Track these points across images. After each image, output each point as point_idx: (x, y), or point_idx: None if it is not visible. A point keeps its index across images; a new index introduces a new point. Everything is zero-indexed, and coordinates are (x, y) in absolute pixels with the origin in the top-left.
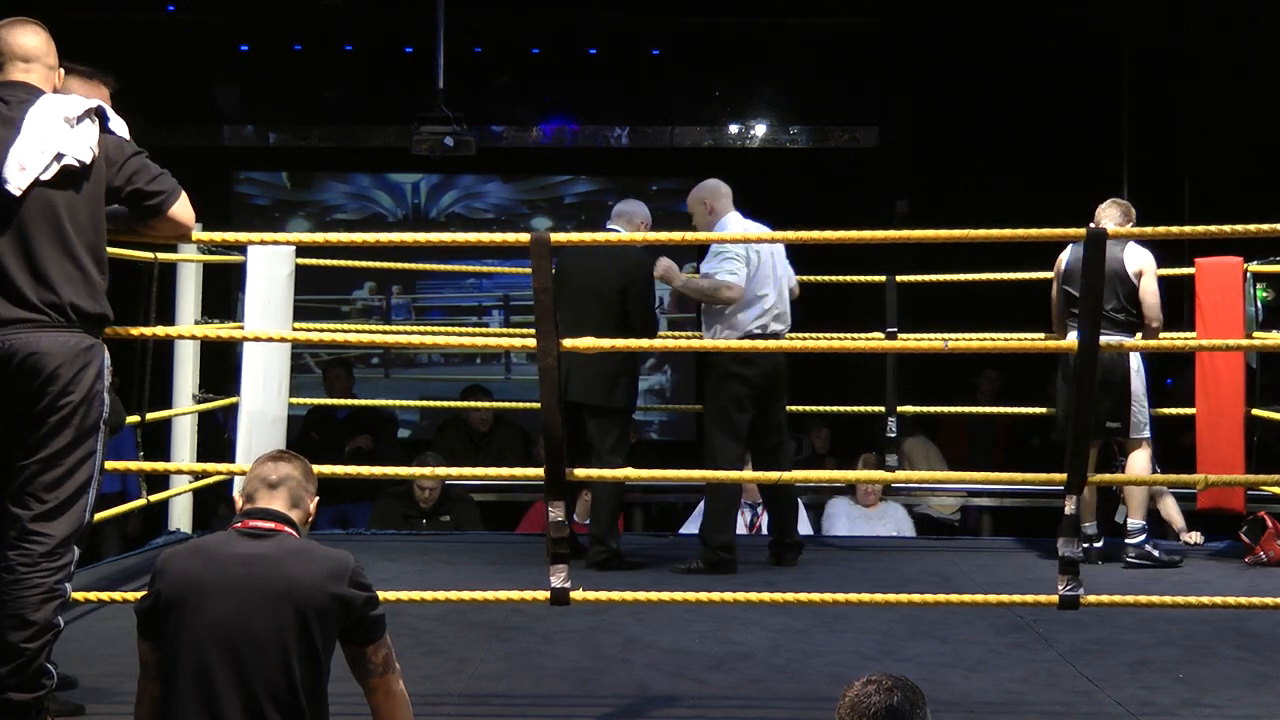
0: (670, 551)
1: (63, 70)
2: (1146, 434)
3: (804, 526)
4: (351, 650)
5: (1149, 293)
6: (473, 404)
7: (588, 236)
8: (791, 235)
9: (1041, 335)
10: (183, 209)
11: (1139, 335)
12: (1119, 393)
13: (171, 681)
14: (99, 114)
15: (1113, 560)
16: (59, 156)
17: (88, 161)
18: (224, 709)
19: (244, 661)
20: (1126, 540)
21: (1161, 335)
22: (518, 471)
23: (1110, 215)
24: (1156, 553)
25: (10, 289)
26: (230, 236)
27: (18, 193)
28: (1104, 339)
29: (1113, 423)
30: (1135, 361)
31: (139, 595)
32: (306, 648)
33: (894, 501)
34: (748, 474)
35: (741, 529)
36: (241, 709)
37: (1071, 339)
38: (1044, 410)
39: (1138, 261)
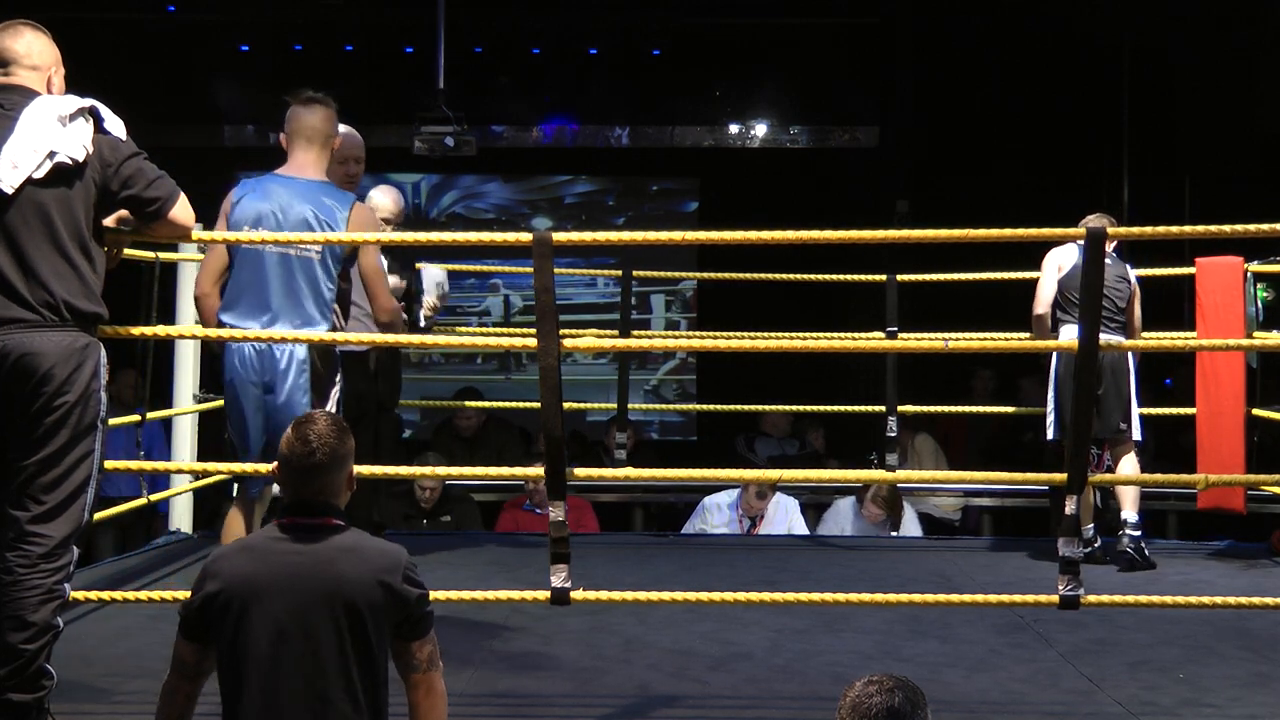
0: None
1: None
2: (1139, 435)
3: (801, 527)
4: (398, 645)
5: (1138, 313)
6: (472, 404)
7: (588, 236)
8: (792, 235)
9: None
10: (181, 212)
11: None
12: (1126, 394)
13: (231, 685)
14: (92, 113)
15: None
16: (51, 154)
17: (80, 159)
18: (284, 711)
19: (303, 662)
20: (1123, 532)
21: (1162, 336)
22: (518, 471)
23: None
24: (1145, 551)
25: (3, 287)
26: (231, 236)
27: (10, 190)
28: (1105, 338)
29: (1124, 424)
30: (1132, 362)
31: (133, 595)
32: (363, 645)
33: (906, 503)
34: (748, 473)
35: (738, 532)
36: (302, 710)
37: (1069, 338)
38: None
39: (1132, 278)
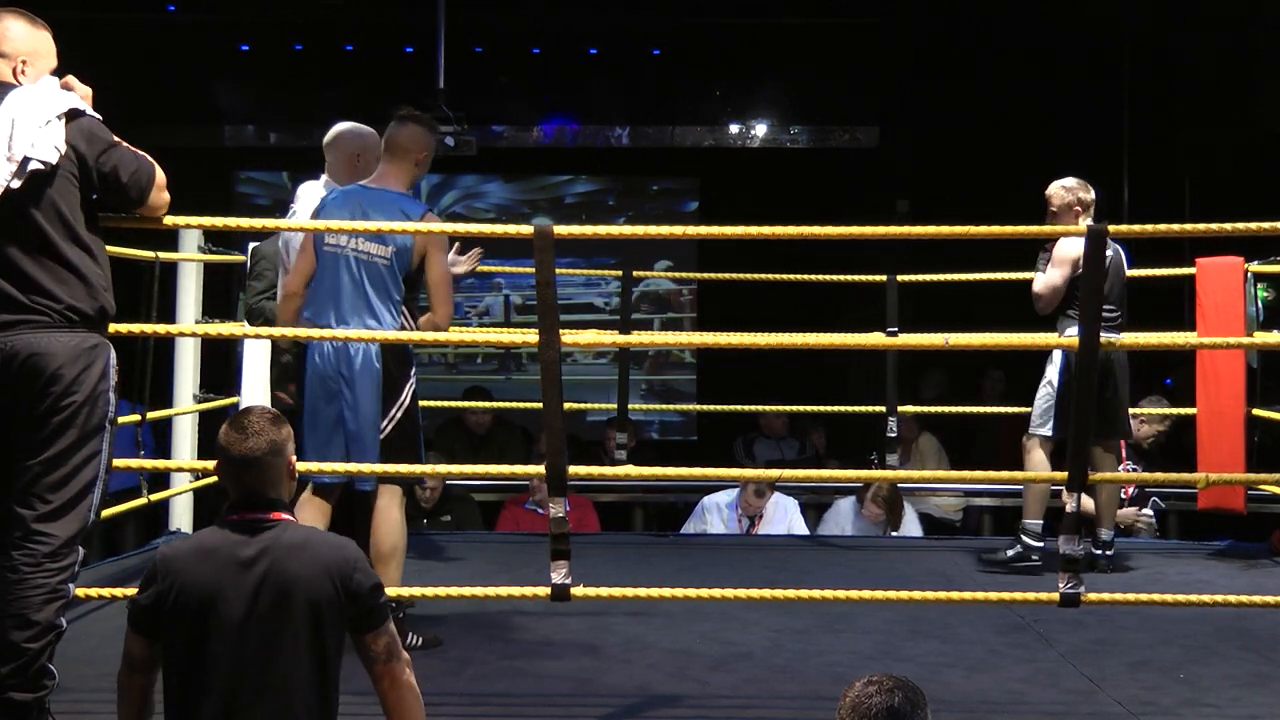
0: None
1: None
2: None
3: (801, 526)
4: (356, 640)
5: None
6: (473, 404)
7: (589, 230)
8: (793, 230)
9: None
10: (155, 200)
11: None
12: (1125, 393)
13: (185, 686)
14: (67, 116)
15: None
16: (25, 161)
17: (54, 162)
18: (241, 710)
19: (258, 660)
20: (1102, 552)
21: (1162, 336)
22: (518, 469)
23: (1085, 201)
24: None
25: (4, 296)
26: (233, 222)
27: None
28: (1107, 337)
29: (1129, 425)
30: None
31: (133, 592)
32: (319, 642)
33: (907, 503)
34: (748, 472)
35: (737, 532)
36: (258, 708)
37: (1073, 336)
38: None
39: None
